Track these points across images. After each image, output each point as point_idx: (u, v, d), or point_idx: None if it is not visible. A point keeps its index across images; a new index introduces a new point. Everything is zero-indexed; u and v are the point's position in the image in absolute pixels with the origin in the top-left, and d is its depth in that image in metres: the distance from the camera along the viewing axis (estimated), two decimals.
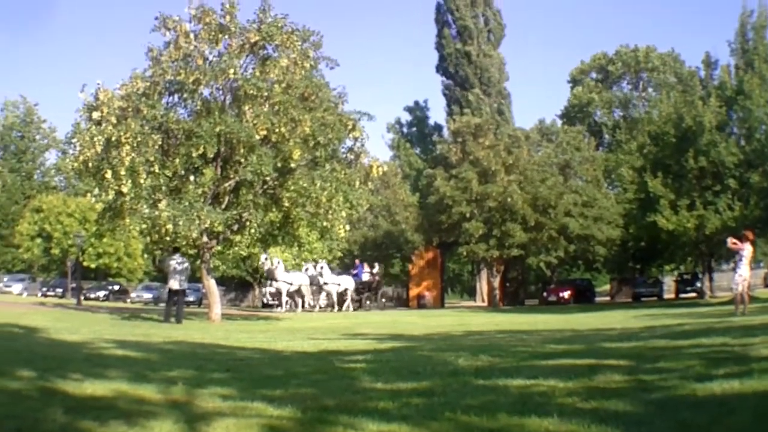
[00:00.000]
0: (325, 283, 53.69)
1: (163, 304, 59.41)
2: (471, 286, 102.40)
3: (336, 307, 53.43)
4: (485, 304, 74.13)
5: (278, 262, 51.07)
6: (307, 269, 54.09)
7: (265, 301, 52.70)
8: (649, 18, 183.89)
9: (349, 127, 34.04)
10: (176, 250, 33.22)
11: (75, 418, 6.97)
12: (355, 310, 53.93)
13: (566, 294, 67.63)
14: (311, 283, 53.34)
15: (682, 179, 55.35)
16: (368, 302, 57.61)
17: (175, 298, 31.87)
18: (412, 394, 8.58)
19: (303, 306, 52.60)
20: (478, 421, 6.75)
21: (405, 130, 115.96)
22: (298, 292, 52.79)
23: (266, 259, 50.87)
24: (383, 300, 60.73)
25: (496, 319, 36.26)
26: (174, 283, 31.58)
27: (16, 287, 74.55)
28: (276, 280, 51.86)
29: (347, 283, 55.72)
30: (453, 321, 34.12)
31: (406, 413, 7.25)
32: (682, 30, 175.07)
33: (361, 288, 57.78)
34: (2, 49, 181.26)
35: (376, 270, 61.11)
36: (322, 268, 53.29)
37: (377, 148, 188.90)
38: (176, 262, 31.81)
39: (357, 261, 64.63)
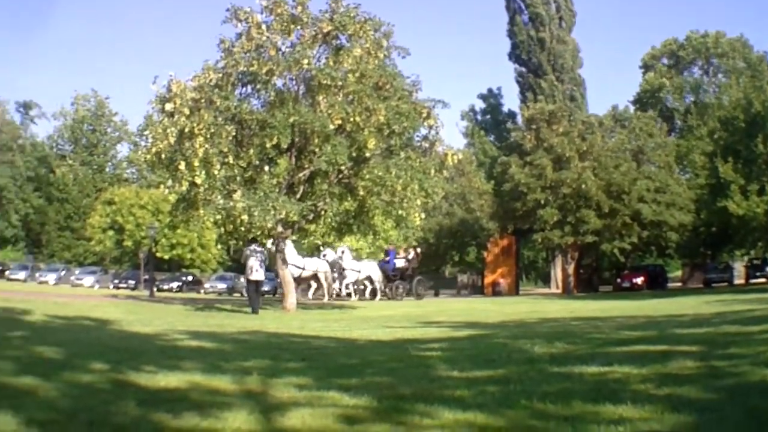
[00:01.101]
0: (344, 269, 51.45)
1: (237, 295, 59.94)
2: (545, 273, 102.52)
3: (354, 296, 51.75)
4: (559, 291, 73.88)
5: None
6: (325, 254, 51.13)
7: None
8: (718, 2, 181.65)
9: (424, 115, 33.89)
10: (254, 240, 33.56)
11: (148, 411, 7.01)
12: (389, 299, 52.08)
13: (639, 280, 68.13)
14: (332, 269, 50.85)
15: (751, 164, 55.00)
16: (400, 290, 54.61)
17: (253, 287, 32.02)
18: (488, 382, 8.59)
19: (313, 294, 50.65)
20: (554, 409, 6.77)
21: (479, 117, 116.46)
22: (315, 278, 50.05)
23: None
24: (420, 288, 57.59)
25: (570, 306, 36.18)
26: (253, 273, 31.64)
27: (88, 280, 75.14)
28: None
29: (369, 269, 53.46)
30: (528, 308, 34.03)
31: (481, 401, 7.26)
32: (751, 15, 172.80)
33: (394, 275, 55.09)
34: (75, 42, 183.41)
35: (411, 256, 58.15)
36: (342, 252, 51.08)
37: (451, 136, 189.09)
38: (255, 252, 31.94)
39: (388, 248, 63.21)
